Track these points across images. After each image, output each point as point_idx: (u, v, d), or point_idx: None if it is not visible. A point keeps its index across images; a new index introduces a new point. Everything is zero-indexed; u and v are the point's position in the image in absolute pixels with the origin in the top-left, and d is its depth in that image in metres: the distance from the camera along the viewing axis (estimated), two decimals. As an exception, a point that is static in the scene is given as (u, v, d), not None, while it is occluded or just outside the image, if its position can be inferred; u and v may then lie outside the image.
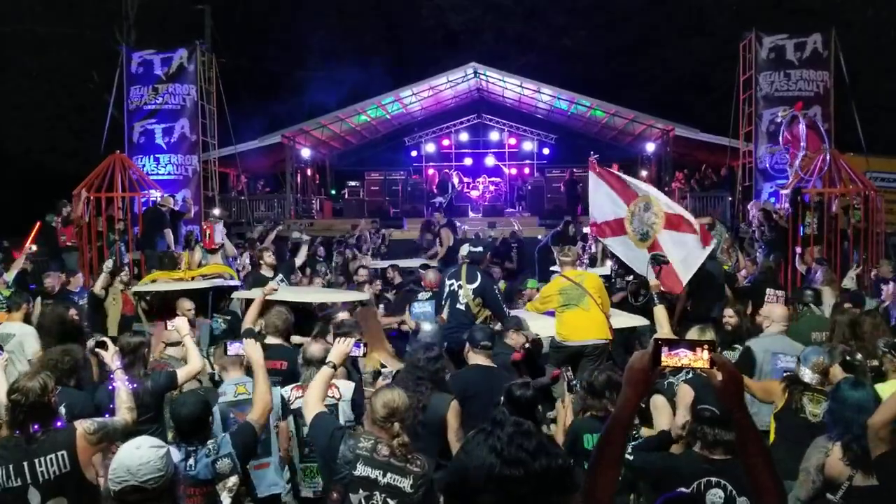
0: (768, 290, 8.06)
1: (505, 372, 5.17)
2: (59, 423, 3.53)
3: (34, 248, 10.29)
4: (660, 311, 5.85)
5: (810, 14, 19.88)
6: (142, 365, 4.77)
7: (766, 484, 1.87)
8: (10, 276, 9.15)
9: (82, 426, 3.50)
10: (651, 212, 7.24)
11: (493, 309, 6.88)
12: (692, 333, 5.06)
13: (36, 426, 3.41)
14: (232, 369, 4.78)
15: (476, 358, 5.01)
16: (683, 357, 1.82)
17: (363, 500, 3.20)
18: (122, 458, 2.67)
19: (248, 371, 4.77)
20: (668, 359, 1.82)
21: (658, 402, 4.54)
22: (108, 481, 2.68)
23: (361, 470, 3.22)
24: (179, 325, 5.00)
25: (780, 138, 13.45)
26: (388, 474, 3.22)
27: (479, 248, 7.47)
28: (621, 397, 1.92)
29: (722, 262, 8.88)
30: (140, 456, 2.65)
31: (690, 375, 4.40)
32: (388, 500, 3.20)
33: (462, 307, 6.82)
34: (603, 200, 7.91)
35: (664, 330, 5.61)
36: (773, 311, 5.90)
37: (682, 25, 25.52)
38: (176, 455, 3.18)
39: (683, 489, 3.05)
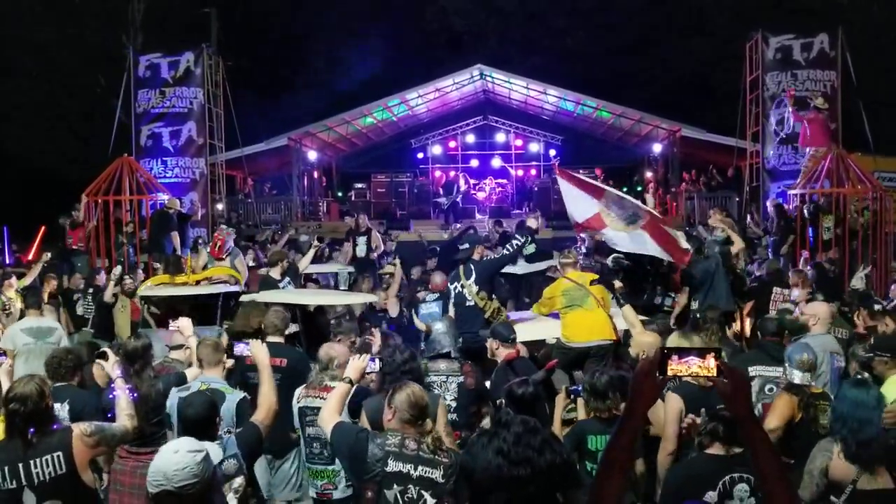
0: (775, 290, 8.10)
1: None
2: (55, 427, 3.55)
3: (49, 255, 10.35)
4: (628, 311, 5.87)
5: (811, 14, 19.81)
6: (151, 368, 4.79)
7: (779, 490, 1.85)
8: (22, 283, 9.20)
9: (80, 428, 3.52)
10: (626, 204, 7.27)
11: (500, 262, 7.23)
12: (672, 340, 5.01)
13: (32, 429, 3.43)
14: (208, 367, 4.67)
15: (504, 353, 5.26)
16: (693, 365, 1.81)
17: (398, 495, 3.24)
18: (160, 462, 2.66)
19: (229, 374, 4.81)
20: (677, 366, 1.81)
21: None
22: (147, 483, 2.68)
23: (393, 465, 3.26)
24: (183, 324, 4.98)
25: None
26: (420, 467, 3.26)
27: (466, 245, 7.54)
28: (628, 405, 1.91)
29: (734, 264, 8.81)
30: (177, 461, 2.64)
31: (678, 384, 4.30)
32: (423, 491, 3.24)
33: (471, 304, 6.84)
34: (576, 200, 7.79)
35: (637, 329, 5.59)
36: (818, 309, 5.74)
37: (682, 25, 25.47)
38: (216, 454, 3.16)
39: (711, 492, 3.04)
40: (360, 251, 12.14)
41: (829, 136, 13.40)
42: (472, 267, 7.05)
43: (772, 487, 1.85)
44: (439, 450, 3.31)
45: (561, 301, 6.54)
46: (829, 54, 14.74)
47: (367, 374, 4.13)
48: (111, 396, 4.14)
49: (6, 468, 3.34)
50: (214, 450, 3.24)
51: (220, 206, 17.03)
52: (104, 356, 4.29)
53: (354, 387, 3.93)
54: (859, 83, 14.40)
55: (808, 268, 9.39)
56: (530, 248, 11.56)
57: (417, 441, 3.32)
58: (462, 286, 6.91)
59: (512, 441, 3.01)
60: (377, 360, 4.05)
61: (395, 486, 3.26)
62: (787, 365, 4.44)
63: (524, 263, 11.30)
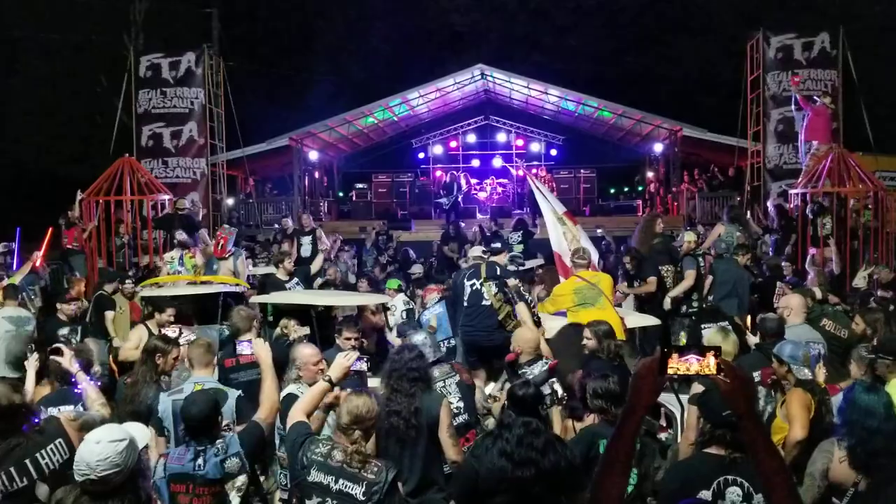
0: (778, 284, 8.24)
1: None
2: (35, 420, 3.61)
3: (38, 254, 10.36)
4: (522, 308, 5.91)
5: (816, 13, 19.80)
6: (154, 371, 4.78)
7: (780, 488, 1.85)
8: (12, 280, 9.19)
9: (63, 414, 3.63)
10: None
11: (508, 297, 6.80)
12: (712, 336, 5.01)
13: (25, 426, 3.48)
14: (199, 367, 4.69)
15: None
16: (693, 363, 1.81)
17: None
18: (83, 453, 2.73)
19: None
20: (677, 364, 1.81)
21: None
22: (74, 473, 2.75)
23: (315, 475, 3.22)
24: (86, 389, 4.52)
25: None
26: (341, 480, 3.18)
27: (498, 244, 7.37)
28: (628, 405, 1.91)
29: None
30: (98, 452, 2.70)
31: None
32: None
33: (487, 304, 6.68)
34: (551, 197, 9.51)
35: (528, 325, 5.64)
36: (791, 301, 5.87)
37: (684, 25, 25.49)
38: (141, 438, 3.16)
39: (705, 491, 3.05)
40: (305, 251, 11.61)
41: (832, 133, 13.40)
42: (497, 269, 6.86)
43: (773, 486, 1.85)
44: (366, 464, 3.22)
45: (571, 299, 6.52)
46: (831, 54, 14.74)
47: (354, 372, 3.98)
48: (77, 391, 4.17)
49: (12, 469, 3.35)
50: (140, 433, 3.23)
51: (230, 202, 17.17)
52: (59, 352, 4.32)
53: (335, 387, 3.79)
54: (861, 82, 14.38)
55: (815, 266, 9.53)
56: (518, 248, 11.67)
57: (346, 453, 3.24)
58: (481, 285, 6.73)
59: (515, 442, 3.01)
60: (364, 360, 3.96)
61: (314, 496, 3.21)
62: (793, 365, 4.44)
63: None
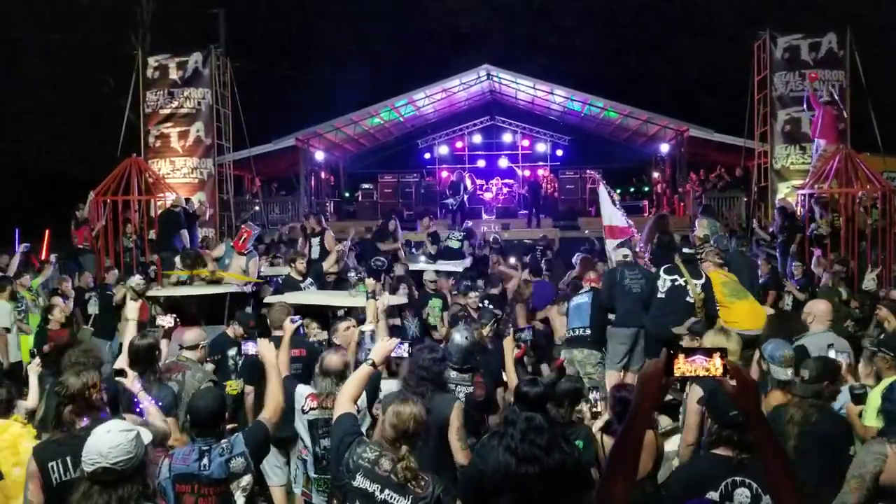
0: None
1: None
2: (103, 415, 3.62)
3: (54, 257, 10.48)
4: (370, 304, 5.86)
5: (816, 13, 19.72)
6: (153, 369, 4.78)
7: (786, 488, 1.85)
8: (35, 282, 9.29)
9: (129, 417, 3.67)
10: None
11: (710, 307, 6.90)
12: (714, 337, 5.00)
13: (85, 419, 3.51)
14: None
15: None
16: (700, 365, 1.81)
17: None
18: (94, 442, 2.77)
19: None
20: (684, 366, 1.81)
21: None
22: (83, 463, 2.78)
23: (360, 481, 3.13)
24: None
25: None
26: (386, 490, 3.09)
27: (692, 250, 7.51)
28: (634, 406, 1.92)
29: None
30: (111, 440, 2.74)
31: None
32: None
33: (691, 301, 6.81)
34: (611, 209, 10.30)
35: (371, 318, 5.63)
36: (815, 307, 5.77)
37: (690, 25, 25.45)
38: (147, 437, 3.21)
39: (712, 492, 3.05)
40: (314, 253, 11.46)
41: (839, 133, 13.36)
42: (703, 272, 7.07)
43: (779, 486, 1.85)
44: (414, 480, 3.12)
45: (721, 291, 6.94)
46: (838, 54, 14.66)
47: (394, 358, 4.03)
48: (138, 410, 4.18)
49: (69, 458, 3.38)
50: (145, 432, 3.28)
51: (257, 208, 17.41)
52: (123, 374, 4.31)
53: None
54: (868, 83, 14.30)
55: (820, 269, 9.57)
56: (455, 245, 11.77)
57: (394, 462, 3.14)
58: (685, 282, 6.88)
59: (518, 438, 3.00)
60: (405, 345, 3.94)
61: (357, 502, 3.14)
62: (771, 364, 4.36)
63: (442, 261, 11.43)
